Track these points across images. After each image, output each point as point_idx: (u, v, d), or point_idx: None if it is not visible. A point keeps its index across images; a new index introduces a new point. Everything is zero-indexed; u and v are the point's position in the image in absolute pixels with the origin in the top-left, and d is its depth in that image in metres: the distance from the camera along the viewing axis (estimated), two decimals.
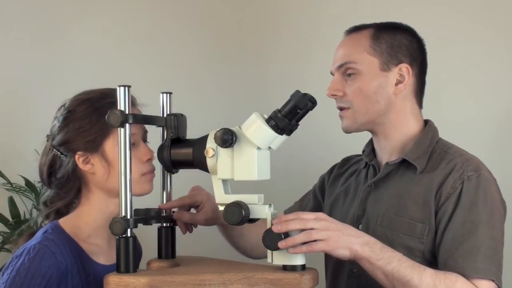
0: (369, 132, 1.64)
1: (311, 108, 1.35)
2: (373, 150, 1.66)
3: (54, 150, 1.47)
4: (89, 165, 1.44)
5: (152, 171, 1.48)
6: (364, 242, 1.36)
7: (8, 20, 2.72)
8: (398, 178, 1.57)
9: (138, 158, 1.45)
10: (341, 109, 1.60)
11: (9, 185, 2.58)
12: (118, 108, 1.34)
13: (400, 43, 1.57)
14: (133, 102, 1.46)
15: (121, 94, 1.34)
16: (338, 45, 1.62)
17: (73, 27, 2.65)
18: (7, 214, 2.57)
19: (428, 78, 1.65)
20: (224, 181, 1.39)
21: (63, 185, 1.48)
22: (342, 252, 1.35)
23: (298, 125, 1.37)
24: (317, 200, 1.80)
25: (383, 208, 1.56)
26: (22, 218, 2.58)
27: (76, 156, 1.44)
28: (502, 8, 2.22)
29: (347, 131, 1.61)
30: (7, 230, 2.55)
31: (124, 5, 2.63)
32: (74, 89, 2.56)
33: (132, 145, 1.41)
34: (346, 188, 1.71)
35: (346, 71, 1.57)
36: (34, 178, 2.57)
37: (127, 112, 1.33)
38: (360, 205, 1.61)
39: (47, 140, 1.51)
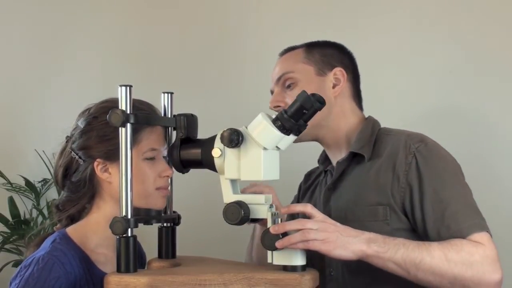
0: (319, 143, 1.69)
1: (319, 108, 1.35)
2: (327, 157, 1.72)
3: (73, 153, 1.46)
4: (107, 173, 1.43)
5: (166, 187, 1.47)
6: (367, 240, 1.37)
7: (8, 20, 2.72)
8: (351, 172, 1.61)
9: (157, 172, 1.44)
10: None
11: (9, 185, 2.58)
12: (120, 107, 1.33)
13: (331, 52, 1.67)
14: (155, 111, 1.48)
15: (122, 94, 1.33)
16: (274, 66, 1.69)
17: (73, 28, 2.66)
18: (7, 214, 2.58)
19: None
20: (233, 181, 1.40)
21: (77, 189, 1.46)
22: (341, 252, 1.35)
23: (307, 125, 1.37)
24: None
25: (344, 203, 1.58)
26: (22, 218, 2.58)
27: (95, 163, 1.42)
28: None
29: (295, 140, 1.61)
30: (7, 230, 2.55)
31: (124, 5, 2.64)
32: (74, 89, 2.60)
33: (151, 159, 1.43)
34: (314, 201, 1.73)
35: (285, 82, 1.64)
36: (34, 178, 2.57)
37: (128, 112, 1.33)
38: (324, 209, 1.61)
39: (66, 142, 1.49)
